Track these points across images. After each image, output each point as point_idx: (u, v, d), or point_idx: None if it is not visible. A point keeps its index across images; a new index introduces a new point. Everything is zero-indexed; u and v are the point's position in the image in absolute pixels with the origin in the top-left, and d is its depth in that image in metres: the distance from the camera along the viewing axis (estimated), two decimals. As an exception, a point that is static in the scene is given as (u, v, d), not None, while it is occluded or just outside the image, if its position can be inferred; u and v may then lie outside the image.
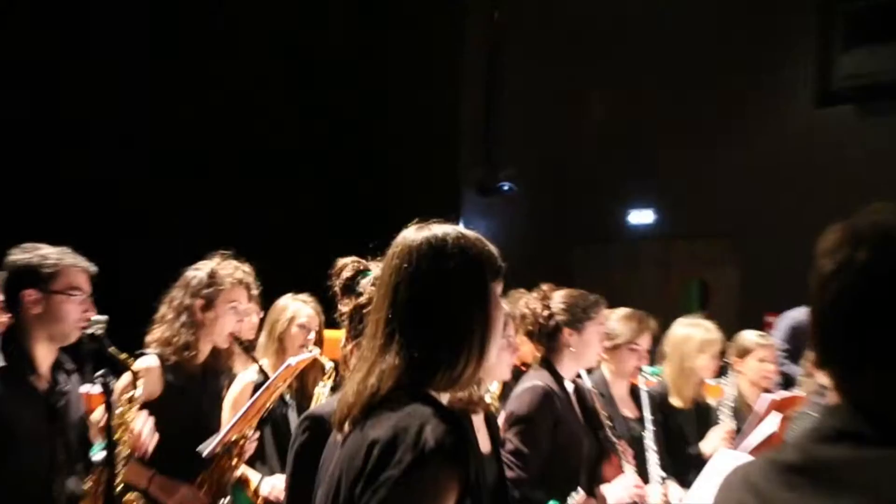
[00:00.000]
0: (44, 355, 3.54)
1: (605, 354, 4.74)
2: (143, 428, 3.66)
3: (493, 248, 2.14)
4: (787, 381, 6.74)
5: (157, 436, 3.71)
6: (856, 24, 9.80)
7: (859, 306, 1.58)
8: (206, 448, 3.83)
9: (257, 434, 4.14)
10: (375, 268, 2.99)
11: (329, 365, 4.18)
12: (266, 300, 4.72)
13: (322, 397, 4.02)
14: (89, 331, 3.50)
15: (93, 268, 3.62)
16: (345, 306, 3.18)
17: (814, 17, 10.10)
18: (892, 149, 9.38)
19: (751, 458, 3.55)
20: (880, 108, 9.78)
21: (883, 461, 1.55)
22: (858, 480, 1.55)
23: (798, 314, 7.82)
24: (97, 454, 3.48)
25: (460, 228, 2.14)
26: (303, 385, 4.51)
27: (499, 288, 2.12)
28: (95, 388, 3.32)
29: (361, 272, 3.18)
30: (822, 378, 4.12)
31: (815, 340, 1.67)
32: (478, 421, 3.85)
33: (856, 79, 9.80)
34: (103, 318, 3.58)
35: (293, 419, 4.34)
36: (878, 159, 9.32)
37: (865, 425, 1.58)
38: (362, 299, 2.89)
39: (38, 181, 7.25)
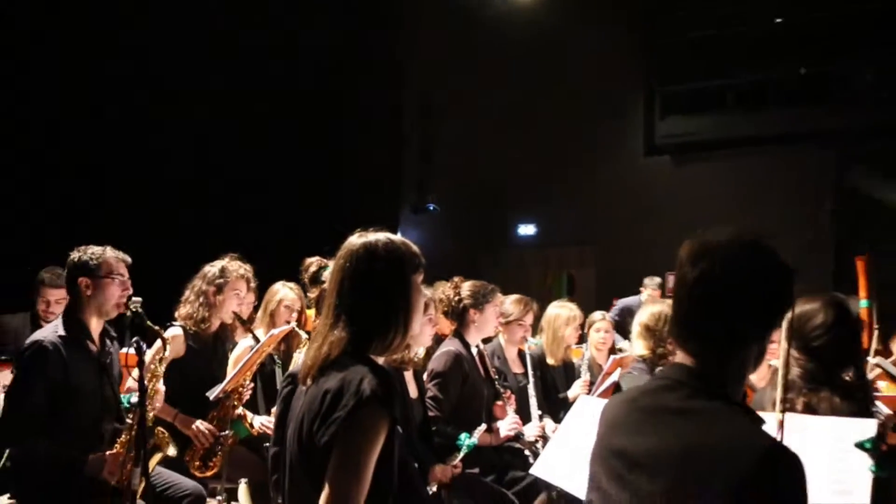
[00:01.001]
0: (95, 326, 3.43)
1: (501, 328, 4.69)
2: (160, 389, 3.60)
3: (415, 249, 2.06)
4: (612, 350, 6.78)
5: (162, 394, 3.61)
6: (669, 102, 10.11)
7: (716, 306, 1.59)
8: (212, 393, 3.81)
9: (252, 385, 4.06)
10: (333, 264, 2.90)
11: (304, 336, 4.11)
12: (262, 288, 4.58)
13: (299, 360, 3.92)
14: (133, 308, 3.36)
15: (128, 258, 3.52)
16: (312, 293, 3.09)
17: (642, 94, 10.30)
18: (694, 185, 9.62)
19: (602, 400, 3.52)
20: (686, 158, 10.06)
21: (706, 409, 1.55)
22: (684, 422, 1.56)
23: (628, 301, 7.89)
24: (133, 397, 3.32)
25: (390, 235, 2.07)
26: (288, 349, 4.40)
27: (419, 279, 2.05)
28: (132, 350, 3.16)
29: (324, 267, 3.08)
30: (640, 349, 4.07)
31: (677, 324, 1.66)
32: (408, 375, 3.81)
33: (670, 138, 10.11)
34: (139, 299, 3.50)
35: (279, 375, 4.27)
36: (685, 193, 9.52)
37: (702, 381, 1.59)
38: (326, 286, 2.77)
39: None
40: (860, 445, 1.86)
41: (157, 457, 3.44)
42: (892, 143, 8.80)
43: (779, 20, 9.11)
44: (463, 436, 3.83)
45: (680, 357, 1.65)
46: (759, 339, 1.61)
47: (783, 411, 2.29)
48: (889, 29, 8.45)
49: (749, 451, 1.45)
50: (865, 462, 1.86)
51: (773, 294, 1.61)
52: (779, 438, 1.83)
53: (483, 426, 3.99)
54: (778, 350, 4.20)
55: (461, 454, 3.79)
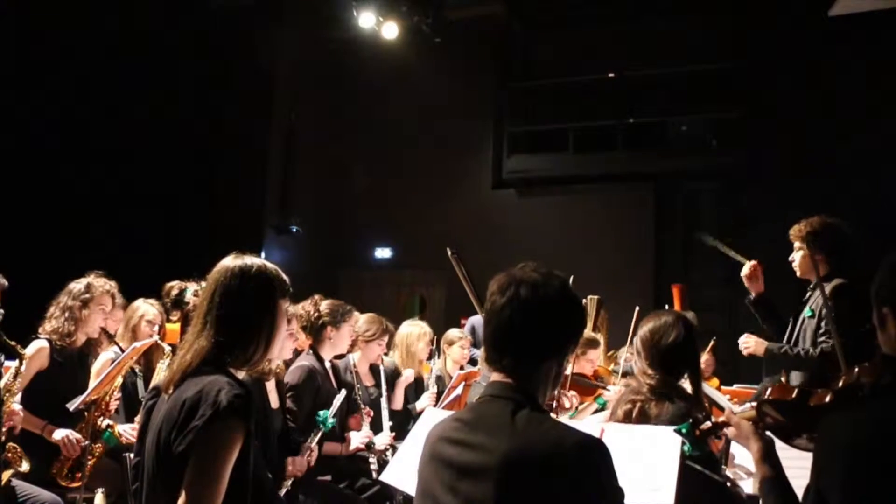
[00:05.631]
0: None
1: (362, 344, 4.71)
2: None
3: (284, 277, 2.10)
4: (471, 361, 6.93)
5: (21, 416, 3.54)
6: (515, 141, 10.29)
7: (522, 325, 1.69)
8: (72, 405, 3.69)
9: (119, 396, 3.97)
10: (193, 286, 2.87)
11: (168, 348, 4.02)
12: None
13: (161, 372, 3.88)
14: None
15: (5, 283, 3.48)
16: (175, 316, 3.03)
17: (491, 135, 10.48)
18: (535, 216, 9.91)
19: (447, 412, 3.62)
20: (530, 192, 10.30)
21: (522, 417, 1.63)
22: (505, 429, 1.62)
23: (477, 318, 8.09)
24: None
25: (263, 260, 2.09)
26: (148, 362, 4.29)
27: (285, 304, 2.09)
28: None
29: (185, 290, 3.04)
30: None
31: (490, 347, 1.75)
32: (270, 385, 3.77)
33: (515, 174, 10.27)
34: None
35: (140, 387, 4.19)
36: (527, 222, 9.80)
37: (516, 394, 1.67)
38: (189, 307, 2.72)
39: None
40: (678, 430, 2.07)
41: (8, 473, 3.24)
42: (702, 186, 9.66)
43: (612, 75, 9.78)
44: (322, 412, 3.83)
45: (495, 376, 1.74)
46: (557, 357, 1.73)
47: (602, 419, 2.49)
48: (697, 92, 9.35)
49: (568, 442, 1.56)
50: (675, 450, 2.07)
51: (566, 320, 1.73)
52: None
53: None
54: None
55: (321, 433, 3.78)
